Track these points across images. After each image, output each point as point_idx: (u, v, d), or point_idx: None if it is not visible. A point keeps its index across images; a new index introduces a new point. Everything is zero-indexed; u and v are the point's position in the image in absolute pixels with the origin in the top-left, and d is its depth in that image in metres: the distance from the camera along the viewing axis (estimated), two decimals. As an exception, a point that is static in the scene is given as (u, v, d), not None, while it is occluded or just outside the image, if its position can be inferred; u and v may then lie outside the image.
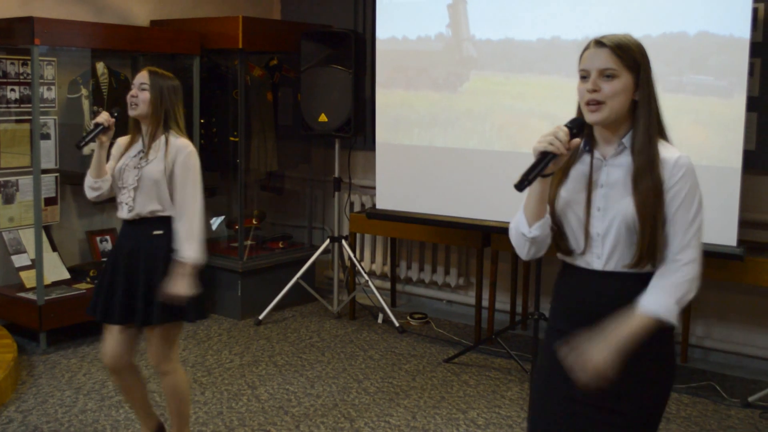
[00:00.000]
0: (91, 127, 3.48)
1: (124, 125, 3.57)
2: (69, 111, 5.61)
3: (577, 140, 2.23)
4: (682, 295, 2.23)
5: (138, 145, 3.48)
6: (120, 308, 3.42)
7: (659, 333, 2.27)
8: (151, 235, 3.42)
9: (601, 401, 2.31)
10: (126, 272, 3.43)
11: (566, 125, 2.24)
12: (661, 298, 2.22)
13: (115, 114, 3.50)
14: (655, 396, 2.33)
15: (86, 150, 5.60)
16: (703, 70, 4.19)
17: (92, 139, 3.46)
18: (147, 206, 3.42)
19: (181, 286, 3.32)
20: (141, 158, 3.43)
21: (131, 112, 3.45)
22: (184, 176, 3.40)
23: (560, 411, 2.38)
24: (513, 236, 2.39)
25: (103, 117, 3.46)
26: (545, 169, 2.20)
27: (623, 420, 2.31)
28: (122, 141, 3.56)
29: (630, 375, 2.28)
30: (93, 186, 3.52)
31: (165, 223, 3.45)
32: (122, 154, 3.50)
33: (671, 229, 2.24)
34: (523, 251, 2.38)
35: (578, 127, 2.25)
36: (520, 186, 2.19)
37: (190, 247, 3.36)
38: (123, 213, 3.47)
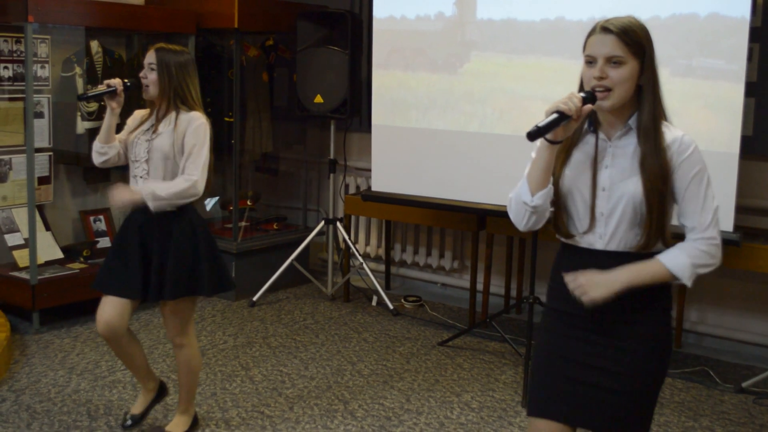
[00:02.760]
0: (102, 87, 3.48)
1: (138, 99, 3.57)
2: (63, 89, 5.57)
3: (588, 106, 2.24)
4: (701, 261, 2.29)
5: (152, 120, 3.51)
6: (134, 283, 3.46)
7: (659, 306, 2.35)
8: (164, 211, 3.43)
9: (599, 380, 2.36)
10: (139, 247, 3.46)
11: (580, 94, 2.27)
12: (680, 257, 2.28)
13: (128, 83, 3.49)
14: (651, 374, 2.37)
15: (80, 129, 5.58)
16: (701, 54, 4.16)
17: (96, 96, 3.46)
18: (159, 179, 3.44)
19: (122, 194, 3.38)
20: (151, 132, 3.45)
21: (144, 95, 3.48)
22: (190, 144, 3.42)
23: (560, 390, 2.42)
24: (513, 206, 2.40)
25: (116, 81, 3.47)
26: (557, 127, 2.22)
27: (621, 399, 2.35)
28: (138, 114, 3.59)
29: (627, 351, 2.34)
30: (100, 151, 3.54)
31: None
32: (137, 127, 3.52)
33: (687, 207, 2.30)
34: (522, 221, 2.39)
35: (591, 97, 2.27)
36: (532, 136, 2.21)
37: (159, 192, 3.37)
38: (136, 187, 3.48)
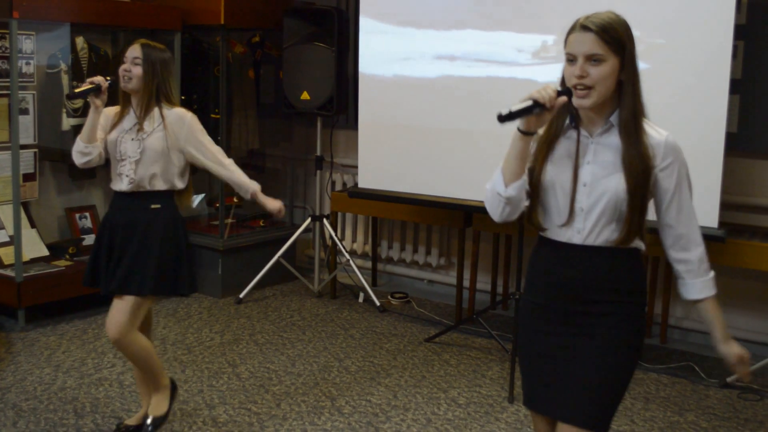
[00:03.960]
0: (86, 84, 3.45)
1: (115, 97, 3.56)
2: (48, 86, 5.54)
3: (563, 98, 2.26)
4: (708, 262, 2.42)
5: (130, 118, 3.48)
6: (109, 276, 3.45)
7: (634, 300, 2.39)
8: (149, 209, 3.44)
9: (571, 371, 2.38)
10: (121, 244, 3.45)
11: (555, 89, 2.28)
12: (707, 281, 2.42)
13: (109, 80, 3.47)
14: (621, 366, 2.39)
15: (65, 125, 5.55)
16: (686, 51, 4.18)
17: (83, 95, 3.44)
18: (148, 178, 3.43)
19: (272, 202, 3.66)
20: (138, 130, 3.43)
21: (124, 86, 3.45)
22: (199, 139, 3.50)
23: (540, 384, 2.45)
24: (488, 197, 2.42)
25: (99, 78, 3.44)
26: (529, 115, 2.24)
27: (589, 389, 2.36)
28: (109, 111, 3.54)
29: (599, 341, 2.36)
30: (83, 151, 3.49)
31: (163, 197, 3.49)
32: (113, 126, 3.49)
33: (674, 212, 2.34)
34: (496, 212, 2.41)
35: (566, 93, 2.28)
36: (503, 118, 2.23)
37: (248, 180, 3.64)
38: (122, 185, 3.47)
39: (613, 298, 2.35)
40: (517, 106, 2.23)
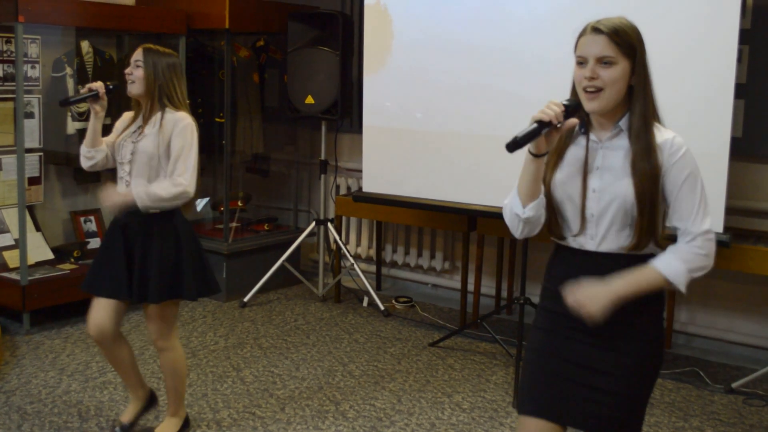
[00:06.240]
0: (84, 91, 3.46)
1: (127, 101, 3.58)
2: (53, 90, 5.56)
3: (573, 120, 2.25)
4: (695, 265, 2.28)
5: (138, 122, 3.50)
6: (120, 283, 3.45)
7: (652, 308, 2.35)
8: (147, 212, 3.43)
9: (591, 380, 2.36)
10: (123, 248, 3.46)
11: (562, 102, 2.26)
12: (674, 262, 2.27)
13: (111, 86, 3.48)
14: (643, 375, 2.37)
15: (71, 129, 5.57)
16: (691, 55, 4.18)
17: (78, 101, 3.45)
18: (142, 180, 3.42)
19: (110, 196, 3.38)
20: (137, 133, 3.43)
21: (129, 90, 3.46)
22: (178, 146, 3.40)
23: (552, 389, 2.42)
24: (507, 216, 2.42)
25: (97, 84, 3.46)
26: (537, 137, 2.21)
27: (613, 400, 2.35)
28: (127, 116, 3.58)
29: (620, 352, 2.34)
30: (87, 155, 3.54)
31: None
32: (124, 129, 3.52)
33: (678, 210, 2.29)
34: (517, 231, 2.41)
35: (574, 105, 2.26)
36: (510, 147, 2.21)
37: (150, 195, 3.34)
38: (121, 188, 3.48)
39: (630, 306, 2.30)
40: (523, 132, 2.20)
